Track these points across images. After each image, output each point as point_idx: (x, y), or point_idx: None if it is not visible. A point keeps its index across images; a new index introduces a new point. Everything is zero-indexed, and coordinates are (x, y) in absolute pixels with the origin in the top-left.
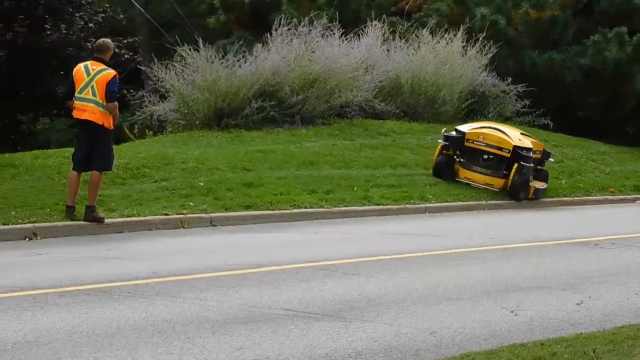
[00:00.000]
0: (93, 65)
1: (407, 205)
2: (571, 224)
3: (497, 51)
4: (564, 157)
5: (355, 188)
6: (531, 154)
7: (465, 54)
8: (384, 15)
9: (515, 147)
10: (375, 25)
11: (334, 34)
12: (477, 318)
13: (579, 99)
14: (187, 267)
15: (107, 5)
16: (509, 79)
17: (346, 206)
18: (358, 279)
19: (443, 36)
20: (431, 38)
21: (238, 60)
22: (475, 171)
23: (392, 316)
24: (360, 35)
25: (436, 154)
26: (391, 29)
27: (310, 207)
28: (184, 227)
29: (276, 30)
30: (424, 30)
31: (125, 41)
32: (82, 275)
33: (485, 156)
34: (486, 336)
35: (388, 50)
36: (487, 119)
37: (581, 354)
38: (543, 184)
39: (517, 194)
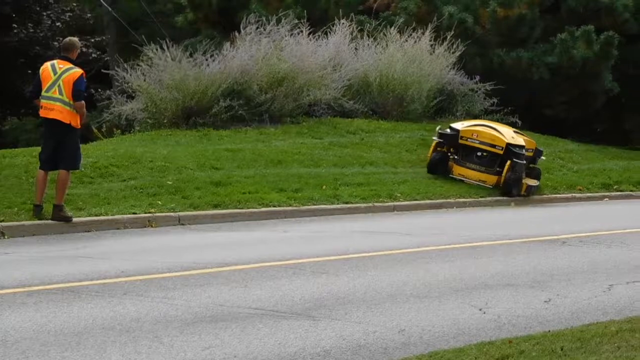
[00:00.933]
0: (60, 64)
1: (375, 204)
2: (539, 222)
3: (465, 49)
4: None
5: (324, 186)
6: (524, 151)
7: (433, 52)
8: (352, 14)
9: (508, 144)
10: (344, 23)
11: (302, 32)
12: (446, 316)
13: (546, 97)
14: (156, 266)
15: (75, 4)
16: (477, 77)
17: (315, 205)
18: (326, 277)
19: (411, 35)
20: (399, 36)
21: (206, 59)
22: (469, 168)
23: (361, 314)
24: (329, 33)
25: (431, 150)
26: (359, 28)
27: (279, 206)
28: (152, 226)
29: (244, 28)
30: (392, 28)
31: (93, 40)
32: (50, 275)
33: (479, 153)
34: (454, 334)
35: (356, 48)
36: (455, 117)
37: (549, 351)
38: (535, 181)
39: (510, 190)
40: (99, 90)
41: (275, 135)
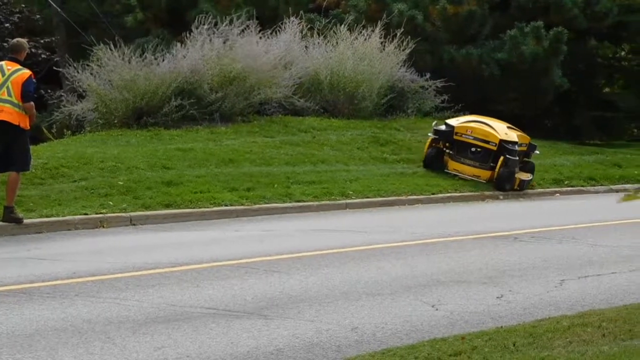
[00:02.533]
0: (8, 66)
1: (327, 202)
2: (491, 218)
3: (415, 47)
4: None
5: (275, 185)
6: (517, 147)
7: (384, 49)
8: (302, 12)
9: (501, 140)
10: (294, 22)
11: (252, 31)
12: (398, 313)
13: (497, 93)
14: (107, 267)
15: (24, 5)
16: (428, 75)
17: (267, 203)
18: (279, 276)
19: (361, 32)
20: (349, 34)
21: (156, 59)
22: (463, 163)
23: (314, 313)
24: (279, 32)
25: (426, 146)
26: (309, 26)
27: (231, 205)
28: (103, 227)
29: (195, 28)
30: (342, 26)
31: (42, 41)
32: (1, 277)
33: (473, 149)
34: (407, 331)
35: (307, 47)
36: (406, 114)
37: (501, 347)
38: (529, 175)
39: (503, 185)
40: (49, 91)
41: (227, 134)
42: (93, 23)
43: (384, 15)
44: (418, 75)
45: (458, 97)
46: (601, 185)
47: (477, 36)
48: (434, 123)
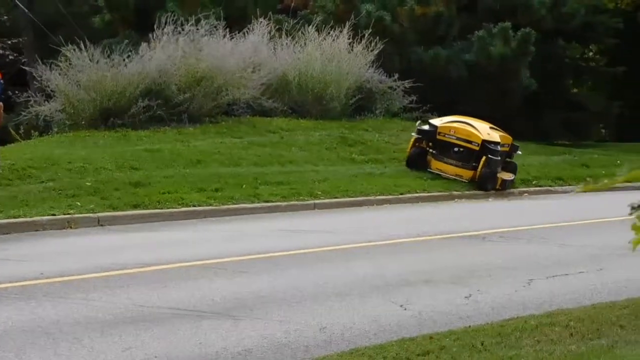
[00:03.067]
0: None
1: (296, 202)
2: (459, 218)
3: (383, 47)
4: None
5: (243, 186)
6: (499, 147)
7: (352, 50)
8: (270, 13)
9: (484, 140)
10: (262, 22)
11: (220, 32)
12: (367, 313)
13: (465, 94)
14: (75, 268)
15: None
16: (396, 75)
17: (235, 204)
18: (247, 276)
19: (329, 33)
20: (317, 35)
21: (124, 60)
22: (446, 163)
23: (282, 313)
24: (247, 33)
25: (410, 146)
26: (277, 27)
27: (199, 206)
28: (71, 228)
29: (161, 29)
30: (310, 27)
31: (9, 42)
32: None
33: (456, 149)
34: (375, 331)
35: (275, 47)
36: (374, 115)
37: (469, 346)
38: (511, 175)
39: (485, 185)
40: (17, 92)
41: (194, 135)
42: (61, 24)
43: (352, 16)
44: (386, 76)
45: (426, 97)
46: (569, 185)
47: (445, 37)
48: (417, 123)
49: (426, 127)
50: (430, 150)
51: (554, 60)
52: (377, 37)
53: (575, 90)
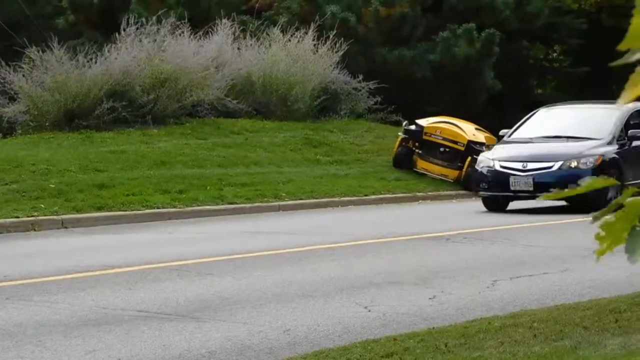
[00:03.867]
0: None
1: (260, 204)
2: (423, 219)
3: (348, 48)
4: None
5: (208, 187)
6: (484, 148)
7: (317, 51)
8: (234, 14)
9: (469, 141)
10: (226, 23)
11: (184, 33)
12: (331, 315)
13: (430, 94)
14: (39, 270)
15: None
16: (361, 76)
17: (199, 206)
18: (212, 278)
19: (294, 34)
20: (282, 36)
21: (88, 61)
22: (432, 162)
23: (246, 315)
24: (211, 33)
25: (396, 145)
26: (242, 28)
27: (163, 207)
28: (35, 230)
29: (125, 30)
30: (275, 28)
31: None
32: None
33: (442, 149)
34: (340, 332)
35: (239, 48)
36: (339, 116)
37: (433, 348)
38: None
39: (470, 185)
40: None
41: (159, 136)
42: (24, 25)
43: (317, 17)
44: (351, 77)
45: (391, 98)
46: None
47: (409, 38)
48: (404, 123)
49: (413, 127)
50: (417, 150)
51: (518, 60)
52: (342, 38)
53: (539, 90)
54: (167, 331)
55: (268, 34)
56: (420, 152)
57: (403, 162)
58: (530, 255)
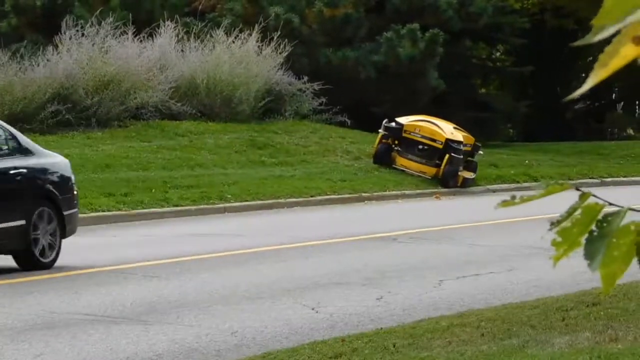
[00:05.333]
0: None
1: (206, 206)
2: (370, 220)
3: (292, 50)
4: (361, 153)
5: (153, 190)
6: (462, 146)
7: (261, 53)
8: (178, 16)
9: (447, 139)
10: (169, 25)
11: (128, 35)
12: (278, 316)
13: (374, 95)
14: None
15: None
16: (305, 78)
17: (144, 208)
18: (158, 281)
19: (238, 36)
20: (226, 38)
21: (31, 65)
22: (410, 159)
23: (193, 318)
24: (154, 35)
25: (376, 142)
26: (185, 30)
27: (108, 211)
28: None
29: (64, 33)
30: (219, 30)
31: None
32: None
33: (420, 146)
34: (287, 334)
35: (183, 50)
36: (284, 117)
37: (381, 348)
38: (472, 174)
39: (447, 182)
40: None
41: (103, 139)
42: None
43: (261, 19)
44: (295, 78)
45: (336, 99)
46: (477, 185)
47: (353, 39)
48: (384, 121)
49: (393, 124)
50: (396, 147)
51: (462, 60)
52: (286, 40)
53: (482, 90)
54: (114, 335)
55: (212, 36)
56: (399, 149)
57: (382, 158)
58: (476, 255)
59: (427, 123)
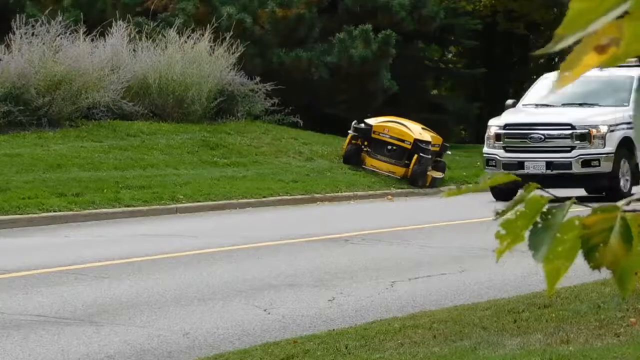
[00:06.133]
0: None
1: (158, 206)
2: (321, 220)
3: (244, 50)
4: (313, 154)
5: (104, 190)
6: (430, 146)
7: (213, 53)
8: (130, 16)
9: (415, 140)
10: (121, 25)
11: (80, 34)
12: (230, 318)
13: (327, 96)
14: None
15: None
16: (258, 78)
17: (96, 208)
18: (109, 282)
19: (190, 36)
20: (178, 38)
21: None
22: (380, 160)
23: (145, 319)
24: (106, 35)
25: (346, 143)
26: (137, 29)
27: (60, 211)
28: None
29: (15, 32)
30: (171, 30)
31: None
32: None
33: (389, 147)
34: (239, 335)
35: (135, 50)
36: (236, 118)
37: (334, 350)
38: (440, 173)
39: (416, 181)
40: None
41: (54, 139)
42: None
43: (213, 19)
44: (248, 79)
45: (288, 100)
46: (431, 187)
47: (306, 39)
48: (353, 122)
49: (362, 125)
50: (365, 148)
51: (414, 62)
52: (239, 40)
53: (435, 91)
54: (66, 336)
55: (164, 36)
56: (368, 149)
57: (352, 159)
58: (428, 256)
59: (395, 124)
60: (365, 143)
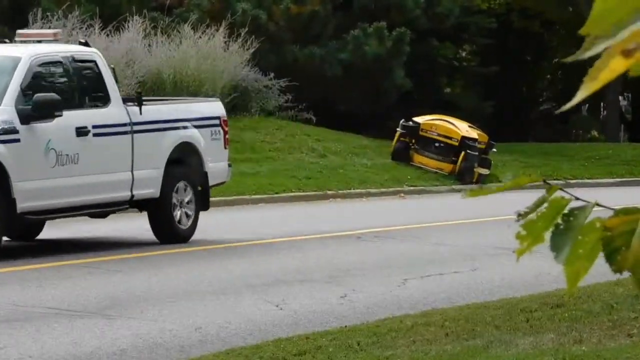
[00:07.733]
0: None
1: None
2: (335, 218)
3: (259, 46)
4: (326, 151)
5: None
6: (477, 144)
7: (227, 49)
8: (145, 11)
9: (463, 137)
10: (136, 20)
11: (94, 28)
12: (242, 313)
13: (340, 93)
14: None
15: None
16: (272, 74)
17: None
18: (121, 275)
19: (205, 31)
20: (193, 33)
21: None
22: (427, 157)
23: (157, 312)
24: (122, 30)
25: (395, 141)
26: (152, 24)
27: None
28: None
29: (31, 26)
30: (186, 25)
31: None
32: None
33: (437, 144)
34: (251, 331)
35: (150, 45)
36: (250, 113)
37: (346, 346)
38: (486, 170)
39: (464, 178)
40: None
41: None
42: None
43: (228, 15)
44: (262, 75)
45: (301, 96)
46: (444, 185)
47: (320, 36)
48: (402, 120)
49: (410, 123)
50: (413, 145)
51: (428, 59)
52: (253, 36)
53: (448, 89)
54: (78, 328)
55: (179, 31)
56: (416, 147)
57: (400, 156)
58: (441, 254)
59: (443, 122)
60: (413, 140)
